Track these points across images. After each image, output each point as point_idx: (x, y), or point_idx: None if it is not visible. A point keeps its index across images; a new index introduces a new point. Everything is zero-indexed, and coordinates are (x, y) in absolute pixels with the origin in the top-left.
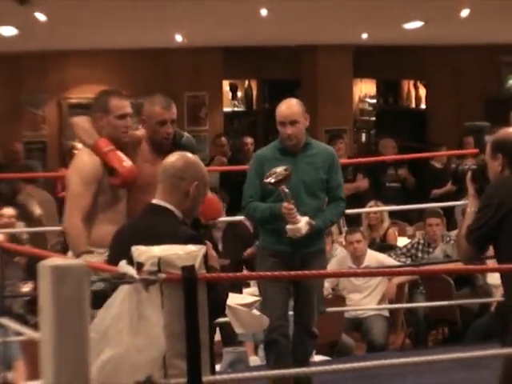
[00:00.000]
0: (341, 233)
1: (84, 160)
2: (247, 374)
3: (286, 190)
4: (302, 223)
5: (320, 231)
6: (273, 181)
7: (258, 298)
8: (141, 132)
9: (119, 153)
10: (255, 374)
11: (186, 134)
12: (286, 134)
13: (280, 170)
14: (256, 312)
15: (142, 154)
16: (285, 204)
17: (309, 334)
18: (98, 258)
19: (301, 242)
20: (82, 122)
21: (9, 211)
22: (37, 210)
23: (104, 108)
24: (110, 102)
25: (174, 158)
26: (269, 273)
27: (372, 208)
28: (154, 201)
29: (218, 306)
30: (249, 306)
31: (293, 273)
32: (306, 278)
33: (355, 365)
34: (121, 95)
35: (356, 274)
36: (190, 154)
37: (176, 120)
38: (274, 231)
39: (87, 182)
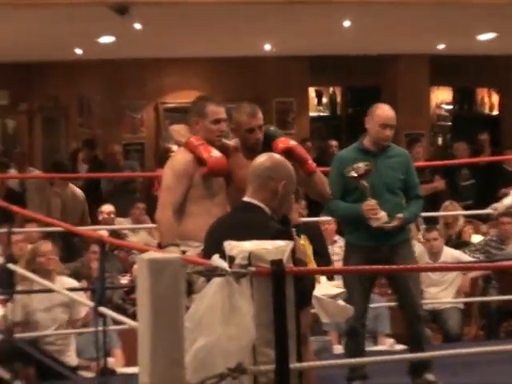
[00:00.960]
0: (419, 230)
1: (178, 157)
2: (331, 362)
3: (367, 185)
4: (384, 214)
5: (408, 224)
6: (355, 175)
7: (343, 290)
8: (233, 142)
9: (209, 146)
10: (339, 361)
11: (271, 127)
12: (385, 136)
13: (361, 165)
14: (341, 302)
15: (237, 160)
16: (367, 202)
17: (417, 319)
18: (191, 250)
19: (385, 235)
20: (178, 127)
21: (108, 208)
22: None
23: (200, 113)
24: (206, 107)
25: (262, 158)
26: (352, 267)
27: (448, 212)
28: (245, 199)
29: (305, 297)
30: (334, 296)
31: (374, 267)
32: (388, 273)
33: (432, 353)
34: (217, 101)
35: (433, 269)
36: (277, 155)
37: (263, 125)
38: (357, 227)
39: (179, 176)
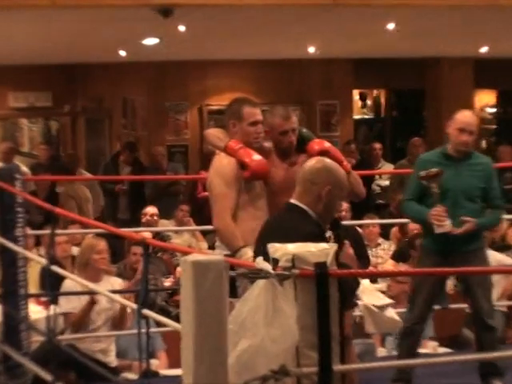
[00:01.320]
0: None
1: (222, 162)
2: (375, 365)
3: (437, 191)
4: (449, 223)
5: (479, 230)
6: (422, 175)
7: (391, 301)
8: (269, 144)
9: (249, 149)
10: (382, 364)
11: (303, 129)
12: (463, 141)
13: (434, 169)
14: (390, 313)
15: (272, 163)
16: (435, 208)
17: (483, 327)
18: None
19: (457, 242)
20: (214, 131)
21: (151, 210)
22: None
23: (237, 115)
24: (243, 109)
25: (312, 162)
26: (390, 269)
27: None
28: (291, 200)
29: (348, 297)
30: (383, 307)
31: (411, 270)
32: (441, 275)
33: (475, 356)
34: (253, 103)
35: (476, 272)
36: (328, 160)
37: (296, 128)
38: (430, 231)
39: (229, 181)
